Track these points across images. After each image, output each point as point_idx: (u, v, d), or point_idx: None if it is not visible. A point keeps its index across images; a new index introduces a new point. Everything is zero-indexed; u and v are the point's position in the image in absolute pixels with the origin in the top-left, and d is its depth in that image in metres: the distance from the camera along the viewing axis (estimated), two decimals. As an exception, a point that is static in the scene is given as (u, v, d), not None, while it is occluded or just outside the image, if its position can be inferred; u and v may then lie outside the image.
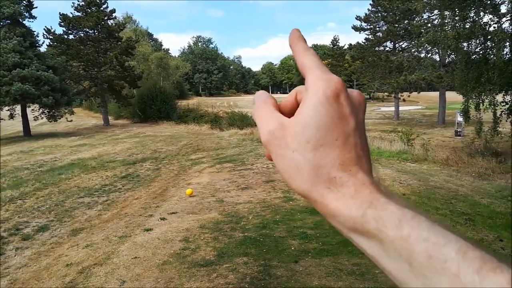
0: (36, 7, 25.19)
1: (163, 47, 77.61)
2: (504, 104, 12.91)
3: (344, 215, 0.31)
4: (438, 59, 26.80)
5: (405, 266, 0.28)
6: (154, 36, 78.93)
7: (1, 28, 23.21)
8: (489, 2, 11.69)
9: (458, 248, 0.26)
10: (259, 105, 0.38)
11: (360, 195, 0.31)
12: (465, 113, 13.03)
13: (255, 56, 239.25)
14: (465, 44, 12.40)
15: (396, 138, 15.04)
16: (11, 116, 23.90)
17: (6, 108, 23.25)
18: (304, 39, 0.38)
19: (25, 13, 24.18)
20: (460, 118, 16.98)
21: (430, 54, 27.18)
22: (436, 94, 32.05)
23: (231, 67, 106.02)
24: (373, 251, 0.30)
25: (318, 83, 0.33)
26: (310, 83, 0.33)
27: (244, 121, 24.05)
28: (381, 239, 0.29)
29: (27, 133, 24.62)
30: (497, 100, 12.64)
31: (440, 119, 26.79)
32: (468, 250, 0.26)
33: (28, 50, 23.06)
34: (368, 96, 61.23)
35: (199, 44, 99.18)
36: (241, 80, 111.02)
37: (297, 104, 0.36)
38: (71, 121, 26.86)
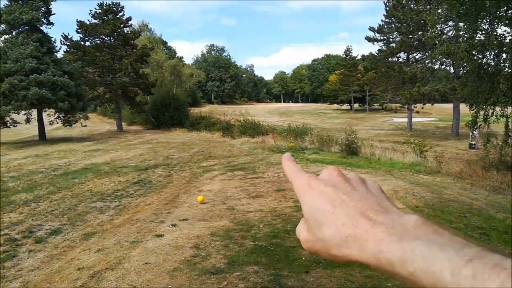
0: (54, 14, 25.79)
1: (177, 55, 78.60)
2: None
3: (369, 263, 0.36)
4: (452, 70, 26.58)
5: None
6: (168, 44, 79.94)
7: (20, 33, 23.80)
8: (504, 14, 11.59)
9: (451, 270, 0.30)
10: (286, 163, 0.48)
11: (368, 244, 0.35)
12: (473, 124, 12.93)
13: (268, 65, 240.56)
14: (480, 56, 12.29)
15: (409, 150, 14.88)
16: (28, 120, 24.37)
17: (23, 112, 23.72)
18: (292, 159, 0.48)
19: (43, 20, 24.75)
20: (475, 131, 16.77)
21: (444, 66, 26.97)
22: (450, 106, 31.71)
23: (244, 75, 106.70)
24: (401, 280, 0.34)
25: (295, 185, 0.44)
26: (295, 189, 0.44)
27: (256, 129, 24.11)
28: (402, 277, 0.33)
29: (42, 137, 25.04)
30: (509, 112, 12.46)
31: (454, 132, 26.50)
32: (461, 270, 0.29)
33: (45, 56, 23.57)
34: (380, 107, 60.90)
35: (212, 52, 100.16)
36: (253, 89, 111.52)
37: None
38: (85, 126, 27.28)
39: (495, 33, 11.64)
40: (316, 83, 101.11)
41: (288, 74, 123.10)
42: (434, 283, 0.30)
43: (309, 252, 0.43)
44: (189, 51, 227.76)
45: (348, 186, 0.41)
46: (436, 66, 27.45)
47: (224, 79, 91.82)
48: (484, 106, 12.21)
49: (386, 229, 0.35)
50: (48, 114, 25.29)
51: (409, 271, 0.32)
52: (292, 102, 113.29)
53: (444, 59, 22.36)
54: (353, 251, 0.37)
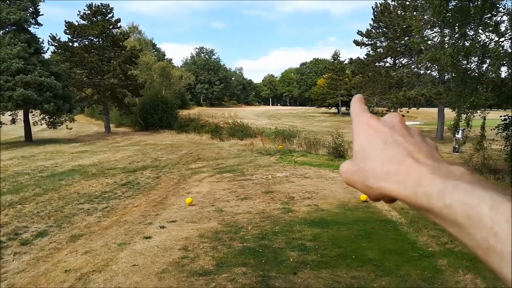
0: (42, 15, 25.52)
1: (166, 57, 78.26)
2: (503, 119, 13.06)
3: (402, 197, 0.37)
4: (437, 75, 27.08)
5: (456, 228, 0.33)
6: (157, 46, 79.54)
7: (7, 34, 23.48)
8: (488, 21, 11.89)
9: (491, 205, 0.31)
10: None
11: (410, 178, 0.37)
12: (455, 127, 13.31)
13: (256, 68, 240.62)
14: (464, 62, 12.58)
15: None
16: (13, 121, 24.02)
17: (9, 113, 23.39)
18: (363, 101, 0.48)
19: (30, 20, 24.48)
20: (458, 135, 17.10)
21: (429, 71, 27.46)
22: (434, 110, 32.27)
23: (233, 78, 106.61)
24: (435, 220, 0.36)
25: (354, 122, 0.45)
26: (353, 126, 0.45)
27: (244, 132, 24.17)
28: (434, 211, 0.34)
29: (28, 138, 24.71)
30: (488, 113, 12.83)
31: (439, 135, 26.94)
32: (500, 205, 0.30)
33: (33, 57, 23.28)
34: (368, 111, 61.46)
35: (202, 55, 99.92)
36: (242, 92, 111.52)
37: None
38: (70, 128, 26.99)
39: (479, 39, 11.94)
40: (304, 86, 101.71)
41: (276, 77, 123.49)
42: (469, 215, 0.31)
43: (345, 183, 0.44)
44: (178, 53, 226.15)
45: (405, 131, 0.42)
46: (422, 71, 27.95)
47: (213, 81, 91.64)
48: (466, 110, 12.50)
49: (431, 169, 0.36)
50: (33, 115, 24.97)
51: (445, 203, 0.33)
52: (281, 105, 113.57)
53: (430, 64, 22.80)
54: (390, 184, 0.38)
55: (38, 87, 22.67)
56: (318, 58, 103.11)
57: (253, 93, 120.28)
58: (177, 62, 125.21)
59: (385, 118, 0.45)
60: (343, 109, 66.37)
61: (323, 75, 72.13)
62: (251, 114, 57.51)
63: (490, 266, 0.31)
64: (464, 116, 12.53)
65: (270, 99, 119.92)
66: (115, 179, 11.64)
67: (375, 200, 0.42)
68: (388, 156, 0.39)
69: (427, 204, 0.35)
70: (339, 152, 15.66)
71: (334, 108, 67.45)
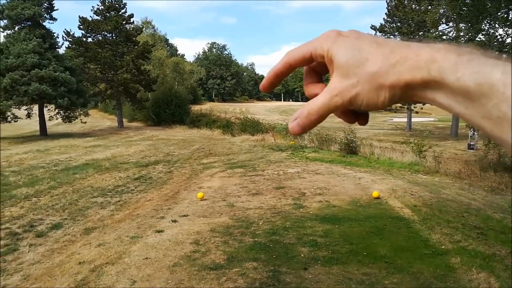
0: (57, 9, 25.86)
1: (178, 52, 78.53)
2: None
3: (417, 81, 0.35)
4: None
5: (466, 103, 0.32)
6: (170, 41, 79.81)
7: (22, 29, 23.85)
8: (504, 15, 11.63)
9: (502, 70, 0.30)
10: None
11: (421, 57, 0.34)
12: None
13: (268, 63, 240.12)
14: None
15: (408, 149, 14.92)
16: (28, 115, 24.44)
17: (24, 107, 23.80)
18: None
19: (45, 15, 24.80)
20: (475, 133, 16.84)
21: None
22: (450, 106, 31.70)
23: (245, 73, 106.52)
24: (445, 101, 0.34)
25: (324, 37, 0.41)
26: (324, 42, 0.41)
27: (256, 127, 24.12)
28: (446, 85, 0.33)
29: (43, 133, 25.12)
30: None
31: (453, 132, 26.52)
32: None
33: (47, 51, 23.62)
34: (381, 107, 60.88)
35: (214, 50, 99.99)
36: (254, 87, 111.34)
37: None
38: (85, 123, 27.32)
39: (495, 34, 11.71)
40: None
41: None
42: (480, 82, 0.30)
43: (339, 104, 0.40)
44: (188, 48, 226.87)
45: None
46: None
47: (225, 77, 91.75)
48: None
49: (443, 46, 0.34)
50: (49, 110, 25.38)
51: (457, 76, 0.32)
52: (293, 100, 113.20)
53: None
54: (402, 71, 0.35)
55: (53, 82, 23.01)
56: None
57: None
58: (188, 57, 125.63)
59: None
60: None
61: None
62: (262, 110, 57.35)
63: (499, 137, 0.30)
64: None
65: (282, 95, 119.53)
66: (128, 173, 11.77)
67: (385, 106, 0.38)
68: (390, 49, 0.36)
69: (440, 80, 0.33)
70: (351, 148, 15.55)
71: (346, 104, 66.95)
